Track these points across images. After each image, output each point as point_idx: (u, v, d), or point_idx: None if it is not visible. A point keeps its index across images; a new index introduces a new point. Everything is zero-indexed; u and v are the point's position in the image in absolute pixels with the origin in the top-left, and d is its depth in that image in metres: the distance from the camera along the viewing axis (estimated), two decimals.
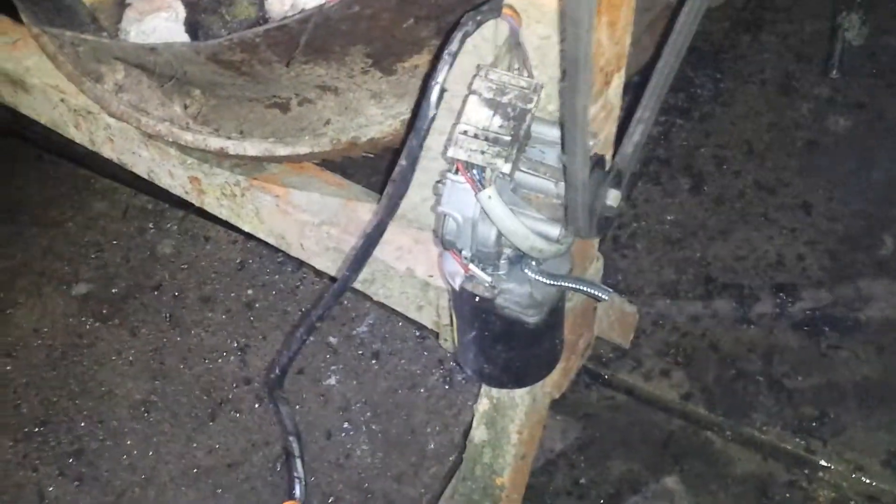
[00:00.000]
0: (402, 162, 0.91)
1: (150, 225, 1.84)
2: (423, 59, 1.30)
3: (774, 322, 1.58)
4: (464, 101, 0.92)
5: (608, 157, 1.06)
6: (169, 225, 1.84)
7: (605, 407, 1.53)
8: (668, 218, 1.73)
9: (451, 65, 0.87)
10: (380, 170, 1.72)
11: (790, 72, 1.91)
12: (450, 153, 0.90)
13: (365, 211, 1.43)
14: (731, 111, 1.87)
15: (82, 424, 1.59)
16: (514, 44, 0.93)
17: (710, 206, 1.74)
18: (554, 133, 0.96)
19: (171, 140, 1.46)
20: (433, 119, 0.88)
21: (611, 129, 1.08)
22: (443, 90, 0.88)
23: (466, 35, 0.88)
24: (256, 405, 1.59)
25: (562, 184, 0.93)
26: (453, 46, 0.87)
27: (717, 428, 1.49)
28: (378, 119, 1.34)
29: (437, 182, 0.96)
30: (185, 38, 1.49)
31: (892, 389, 1.48)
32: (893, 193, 1.72)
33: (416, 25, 1.23)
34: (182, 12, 1.52)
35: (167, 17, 1.54)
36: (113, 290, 1.76)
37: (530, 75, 0.94)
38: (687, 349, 1.57)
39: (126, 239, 1.83)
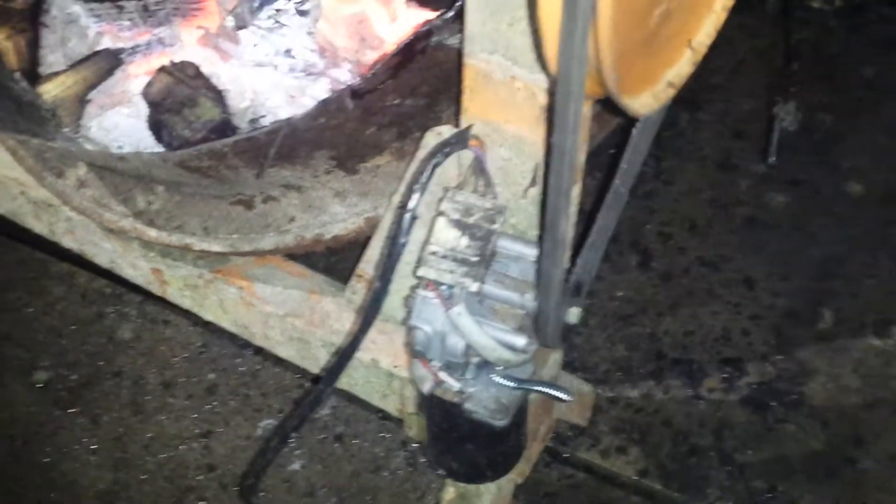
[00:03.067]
0: (377, 284, 0.95)
1: (110, 309, 1.85)
2: (384, 160, 1.36)
3: (723, 397, 1.65)
4: (432, 222, 0.97)
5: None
6: (128, 309, 1.85)
7: (565, 486, 1.58)
8: (619, 294, 1.80)
9: (422, 193, 0.92)
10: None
11: (728, 149, 2.00)
12: (420, 272, 0.95)
13: (328, 302, 1.46)
14: (674, 188, 1.95)
15: None
16: (479, 168, 0.98)
17: (658, 282, 1.81)
18: (517, 247, 1.01)
19: (134, 235, 1.49)
20: (405, 244, 0.93)
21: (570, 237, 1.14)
22: (414, 217, 0.93)
23: (437, 165, 0.93)
24: (221, 493, 1.60)
25: (527, 295, 0.98)
26: (424, 176, 0.92)
27: None
28: (342, 216, 1.39)
29: (407, 296, 1.00)
30: (147, 136, 1.52)
31: (838, 463, 1.56)
32: (830, 267, 1.80)
33: (378, 132, 1.29)
34: (144, 109, 1.55)
35: (128, 113, 1.57)
36: (73, 377, 1.76)
37: (494, 196, 1.00)
38: (641, 426, 1.62)
39: (85, 324, 1.84)
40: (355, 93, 1.17)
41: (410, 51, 1.15)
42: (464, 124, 1.00)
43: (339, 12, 1.62)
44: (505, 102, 0.96)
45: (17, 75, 1.53)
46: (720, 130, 2.04)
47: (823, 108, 2.03)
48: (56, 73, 1.55)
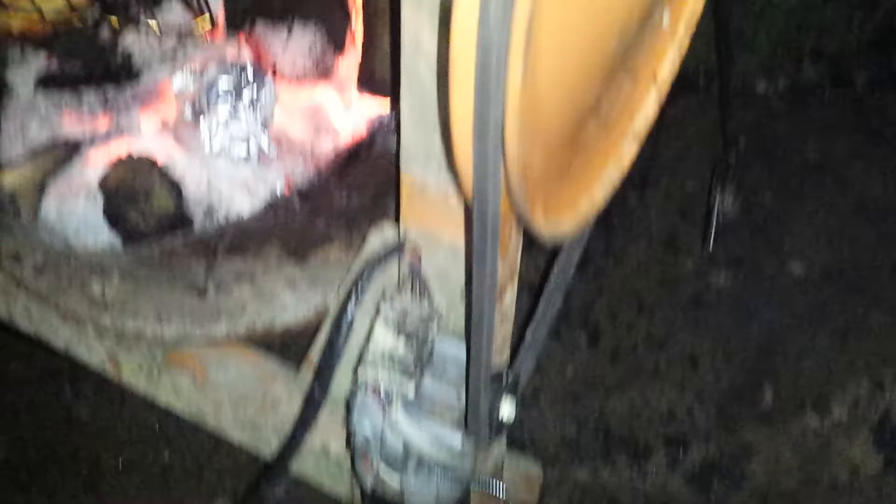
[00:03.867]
0: (314, 392, 0.99)
1: (66, 388, 1.87)
2: (334, 250, 1.40)
3: (668, 475, 1.69)
4: (371, 327, 1.01)
5: (505, 359, 1.16)
6: (84, 388, 1.87)
7: None
8: (569, 373, 1.85)
9: (358, 302, 0.97)
10: None
11: (675, 228, 2.07)
12: (359, 376, 0.99)
13: (280, 387, 1.49)
14: (622, 266, 2.02)
15: None
16: (416, 274, 1.03)
17: (606, 361, 1.86)
18: (453, 349, 1.05)
19: (89, 321, 1.51)
20: (342, 350, 0.97)
21: (506, 335, 1.19)
22: (351, 323, 0.97)
23: (373, 273, 0.98)
24: None
25: (463, 394, 1.03)
26: (361, 284, 0.97)
27: None
28: (292, 305, 1.43)
29: (347, 398, 1.04)
30: (103, 226, 1.56)
31: None
32: (771, 346, 1.87)
33: (326, 226, 1.33)
34: (100, 199, 1.59)
35: (86, 202, 1.60)
36: (29, 457, 1.78)
37: (431, 300, 1.04)
38: None
39: (42, 403, 1.85)
40: (302, 193, 1.21)
41: (356, 154, 1.20)
42: (402, 230, 1.05)
43: (293, 101, 1.68)
44: (440, 212, 1.01)
45: None
46: (667, 210, 2.11)
47: (766, 189, 2.11)
48: (16, 162, 1.59)
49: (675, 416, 1.77)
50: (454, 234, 1.03)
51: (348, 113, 1.66)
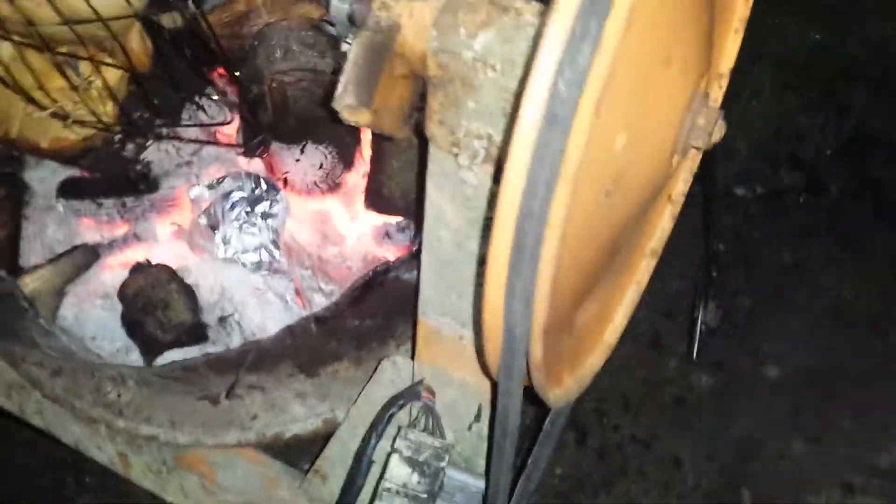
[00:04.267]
0: None
1: (70, 479, 1.92)
2: (343, 366, 1.48)
3: None
4: (387, 459, 1.10)
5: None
6: (88, 479, 1.92)
7: None
8: (558, 472, 1.93)
9: (379, 440, 1.05)
10: None
11: (658, 329, 2.17)
12: None
13: (285, 491, 1.56)
14: (609, 365, 2.09)
15: None
16: (430, 410, 1.11)
17: (593, 460, 1.95)
18: (463, 478, 1.13)
19: (103, 424, 1.58)
20: (362, 486, 1.05)
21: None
22: (371, 462, 1.05)
23: (392, 416, 1.06)
24: None
25: None
26: (381, 427, 1.05)
27: None
28: (302, 417, 1.50)
29: None
30: (120, 332, 1.63)
31: None
32: (750, 448, 1.96)
33: (338, 346, 1.42)
34: (118, 306, 1.66)
35: (103, 306, 1.68)
36: None
37: (442, 435, 1.13)
38: None
39: (45, 492, 1.90)
40: (319, 320, 1.30)
41: (371, 284, 1.29)
42: (417, 369, 1.14)
43: (303, 211, 1.77)
44: (453, 354, 1.11)
45: None
46: (652, 309, 2.21)
47: (744, 293, 2.22)
48: (36, 267, 1.66)
49: None
50: (465, 372, 1.12)
51: (355, 224, 1.76)
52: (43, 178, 1.77)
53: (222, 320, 1.59)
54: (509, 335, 0.69)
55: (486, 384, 1.10)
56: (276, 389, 1.50)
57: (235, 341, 1.58)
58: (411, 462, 1.09)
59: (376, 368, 1.27)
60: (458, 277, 1.02)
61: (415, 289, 1.29)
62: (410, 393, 1.08)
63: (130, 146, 1.63)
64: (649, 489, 1.90)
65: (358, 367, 1.46)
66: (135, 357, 1.60)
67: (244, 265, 1.69)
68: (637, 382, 2.08)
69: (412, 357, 1.14)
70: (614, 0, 0.61)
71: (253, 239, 1.71)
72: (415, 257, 1.26)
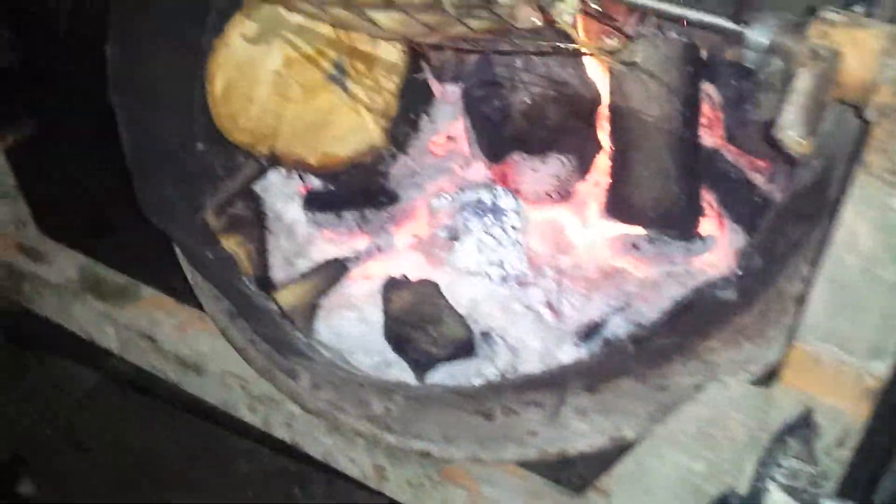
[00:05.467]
0: None
1: (296, 489, 1.93)
2: (627, 382, 1.47)
3: None
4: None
5: None
6: (314, 487, 1.93)
7: None
8: None
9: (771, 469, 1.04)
10: None
11: None
12: None
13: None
14: None
15: None
16: (806, 435, 1.10)
17: None
18: None
19: (370, 439, 1.58)
20: None
21: None
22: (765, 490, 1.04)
23: (783, 445, 1.05)
24: None
25: None
26: (771, 455, 1.04)
27: None
28: (585, 433, 1.49)
29: None
30: (373, 341, 1.62)
31: None
32: None
33: (630, 361, 1.41)
34: (368, 314, 1.66)
35: (354, 318, 1.68)
36: None
37: (816, 462, 1.11)
38: None
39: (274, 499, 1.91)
40: (636, 339, 1.29)
41: (689, 306, 1.28)
42: (778, 393, 1.13)
43: (538, 221, 1.76)
44: (826, 381, 1.09)
45: (246, 279, 1.65)
46: None
47: None
48: (291, 282, 1.67)
49: None
50: (837, 399, 1.11)
51: (589, 234, 1.75)
52: (277, 190, 1.77)
53: (485, 335, 1.58)
54: None
55: (863, 411, 1.09)
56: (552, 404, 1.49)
57: (500, 355, 1.57)
58: (790, 490, 1.08)
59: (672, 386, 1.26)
60: (858, 304, 1.01)
61: (731, 310, 1.28)
62: (806, 422, 1.07)
63: (388, 160, 1.63)
64: None
65: (643, 384, 1.45)
66: (395, 372, 1.59)
67: (490, 278, 1.68)
68: None
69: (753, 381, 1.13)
70: None
71: (497, 251, 1.70)
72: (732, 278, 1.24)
